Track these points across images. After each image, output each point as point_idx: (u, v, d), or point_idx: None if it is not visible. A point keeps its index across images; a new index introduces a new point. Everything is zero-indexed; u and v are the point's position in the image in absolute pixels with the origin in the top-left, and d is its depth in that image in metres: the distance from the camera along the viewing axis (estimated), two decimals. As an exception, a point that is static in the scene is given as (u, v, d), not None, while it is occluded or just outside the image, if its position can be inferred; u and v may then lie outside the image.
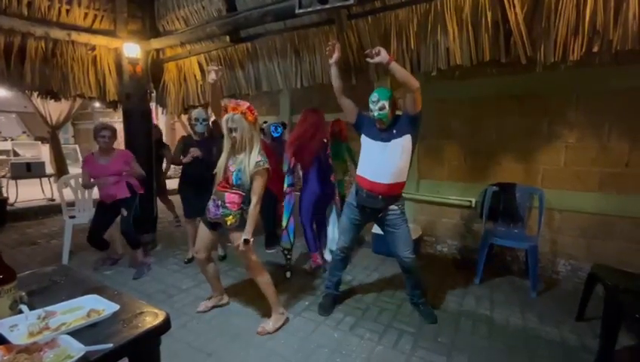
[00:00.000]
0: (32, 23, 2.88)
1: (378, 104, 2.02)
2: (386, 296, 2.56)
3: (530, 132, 2.90)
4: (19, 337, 0.86)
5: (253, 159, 1.94)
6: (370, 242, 3.55)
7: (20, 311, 0.96)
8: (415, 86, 1.89)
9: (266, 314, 2.20)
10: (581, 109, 2.70)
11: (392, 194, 2.09)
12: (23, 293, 1.01)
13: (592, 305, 2.18)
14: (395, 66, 1.86)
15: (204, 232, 2.15)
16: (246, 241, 1.93)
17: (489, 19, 2.04)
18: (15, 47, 2.86)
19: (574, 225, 2.79)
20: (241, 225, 1.98)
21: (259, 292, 2.14)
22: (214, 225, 2.10)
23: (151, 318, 1.02)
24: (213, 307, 2.36)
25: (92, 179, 2.87)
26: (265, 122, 3.73)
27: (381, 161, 2.06)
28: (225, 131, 1.97)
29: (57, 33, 3.02)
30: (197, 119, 2.98)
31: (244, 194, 1.99)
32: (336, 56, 2.06)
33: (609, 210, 2.63)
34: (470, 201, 3.20)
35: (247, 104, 1.96)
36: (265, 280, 2.11)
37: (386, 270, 3.05)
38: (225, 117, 1.93)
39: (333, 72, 2.11)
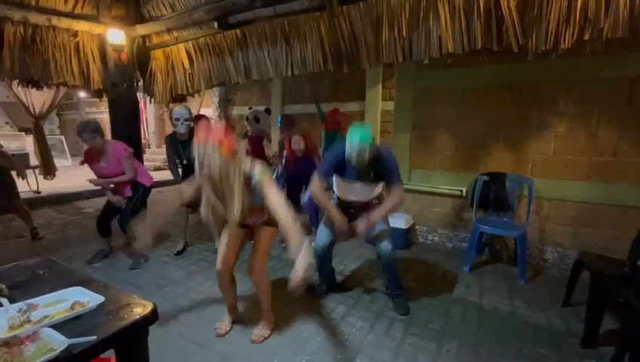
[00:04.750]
0: (9, 6, 2.76)
1: (359, 149, 1.84)
2: (377, 286, 2.58)
3: (521, 121, 2.92)
4: (-2, 331, 0.83)
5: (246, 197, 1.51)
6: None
7: (0, 305, 0.93)
8: (401, 204, 2.06)
9: (256, 303, 2.19)
10: (570, 99, 2.72)
11: (373, 206, 2.13)
12: (3, 286, 0.98)
13: (577, 291, 2.23)
14: (377, 218, 2.00)
15: (230, 240, 1.82)
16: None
17: (481, 6, 2.02)
18: (-8, 33, 2.75)
19: (562, 213, 2.84)
20: (273, 221, 1.65)
21: (251, 285, 2.11)
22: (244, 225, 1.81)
23: (138, 309, 1.00)
24: (233, 324, 2.04)
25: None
26: (250, 108, 3.65)
27: (354, 194, 2.14)
28: (196, 164, 1.46)
29: (37, 18, 2.90)
30: (177, 119, 2.83)
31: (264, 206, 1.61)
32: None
33: (596, 198, 2.68)
34: (461, 191, 3.22)
35: (222, 131, 1.45)
36: (265, 287, 1.92)
37: (377, 260, 3.07)
38: (195, 146, 1.44)
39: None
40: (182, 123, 2.84)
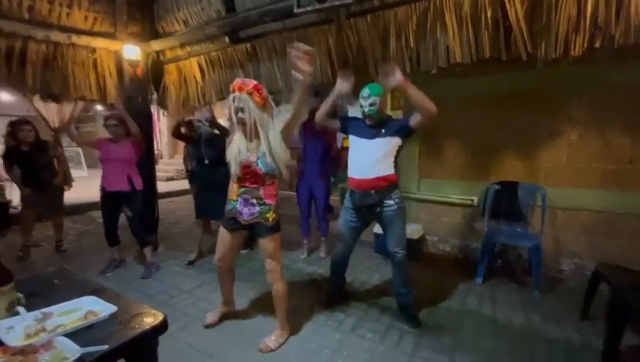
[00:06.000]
0: (33, 26, 2.90)
1: (369, 100, 2.01)
2: (388, 297, 2.54)
3: (532, 129, 2.88)
4: (15, 339, 0.86)
5: (273, 135, 1.75)
6: (371, 242, 3.53)
7: (17, 313, 0.96)
8: (433, 112, 1.86)
9: (266, 313, 2.19)
10: (583, 105, 2.68)
11: (382, 186, 2.04)
12: (21, 295, 1.01)
13: (596, 304, 2.15)
14: (411, 89, 1.84)
15: (227, 238, 1.96)
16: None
17: (489, 16, 2.03)
18: (16, 51, 2.87)
19: (577, 222, 2.76)
20: (278, 225, 1.88)
21: (259, 293, 2.12)
22: (244, 226, 1.91)
23: (148, 319, 1.01)
24: (221, 318, 2.20)
25: (101, 163, 2.92)
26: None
27: (362, 157, 2.08)
28: (232, 112, 1.74)
29: (58, 36, 3.03)
30: (200, 120, 3.01)
31: (278, 181, 1.87)
32: (309, 69, 1.61)
33: (612, 207, 2.61)
34: (472, 200, 3.17)
35: (254, 83, 1.74)
36: (282, 290, 1.94)
37: (388, 270, 3.01)
38: (230, 96, 1.74)
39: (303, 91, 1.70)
40: (204, 124, 2.99)
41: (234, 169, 1.81)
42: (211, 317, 2.18)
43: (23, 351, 0.79)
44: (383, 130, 2.05)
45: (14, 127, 3.22)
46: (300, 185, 3.29)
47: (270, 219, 1.84)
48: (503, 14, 2.00)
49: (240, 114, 1.72)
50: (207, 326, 2.14)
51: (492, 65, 2.30)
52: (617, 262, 2.15)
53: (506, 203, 2.93)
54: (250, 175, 1.80)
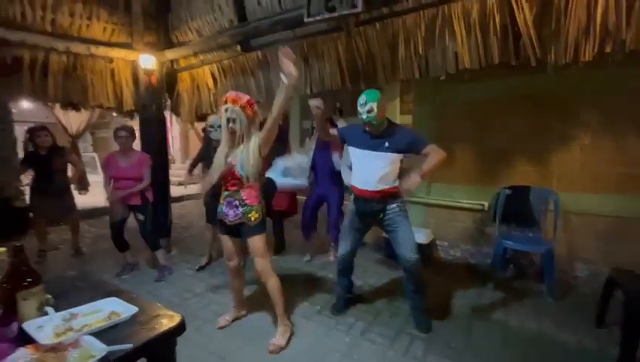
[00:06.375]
0: (55, 38, 3.04)
1: (366, 106, 1.96)
2: (398, 301, 2.55)
3: (544, 133, 2.86)
4: (45, 337, 0.91)
5: (253, 143, 1.89)
6: (381, 246, 3.54)
7: (46, 313, 1.02)
8: (445, 156, 1.96)
9: (272, 313, 2.22)
10: (596, 109, 2.65)
11: (385, 196, 2.06)
12: (49, 296, 1.07)
13: (611, 311, 2.12)
14: (427, 172, 1.93)
15: (225, 239, 2.11)
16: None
17: (497, 22, 2.04)
18: (39, 62, 3.02)
19: (592, 228, 2.72)
20: (261, 225, 1.98)
21: (268, 294, 2.16)
22: (233, 231, 2.04)
23: (167, 320, 1.06)
24: (234, 320, 2.27)
25: (111, 181, 2.96)
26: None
27: (365, 169, 2.07)
28: (223, 121, 1.91)
29: (78, 47, 3.16)
30: (212, 126, 3.07)
31: (258, 184, 1.99)
32: (293, 70, 1.73)
33: (627, 212, 2.56)
34: (482, 205, 3.16)
35: (247, 97, 1.90)
36: (275, 284, 2.03)
37: (397, 275, 3.03)
38: (223, 107, 1.89)
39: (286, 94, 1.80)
40: (216, 129, 3.05)
41: (216, 171, 1.97)
42: (224, 319, 2.24)
43: (53, 349, 0.85)
44: (387, 144, 2.01)
45: (32, 133, 3.36)
46: (310, 195, 3.34)
47: (253, 219, 1.95)
48: (511, 20, 2.01)
49: (232, 124, 1.88)
50: (219, 329, 2.19)
51: (502, 69, 2.31)
52: (632, 267, 2.12)
53: (517, 208, 2.91)
54: (231, 177, 1.95)
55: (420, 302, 2.19)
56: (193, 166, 3.28)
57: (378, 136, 2.04)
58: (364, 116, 1.97)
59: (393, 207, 2.08)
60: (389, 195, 2.07)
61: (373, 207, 2.09)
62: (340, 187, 3.22)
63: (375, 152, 2.03)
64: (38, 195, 3.40)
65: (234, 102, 1.86)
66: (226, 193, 2.01)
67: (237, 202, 1.96)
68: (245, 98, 1.89)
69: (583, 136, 2.72)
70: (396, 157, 2.03)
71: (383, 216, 2.10)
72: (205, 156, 3.25)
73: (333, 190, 3.21)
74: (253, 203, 1.95)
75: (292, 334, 2.10)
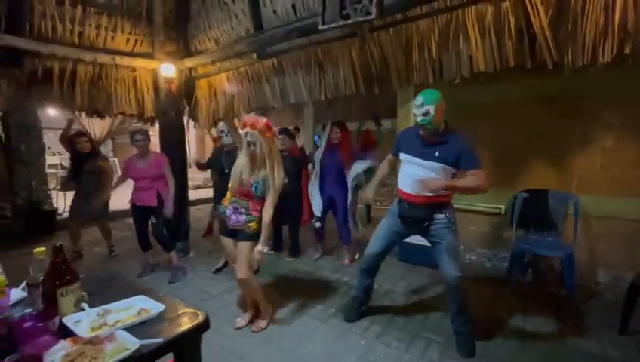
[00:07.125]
0: (83, 50, 3.20)
1: (422, 108, 1.82)
2: (413, 305, 2.55)
3: (562, 135, 2.81)
4: (82, 331, 0.98)
5: (279, 175, 2.05)
6: (396, 250, 3.53)
7: (82, 309, 1.09)
8: (485, 190, 1.83)
9: (294, 316, 2.27)
10: (617, 110, 2.59)
11: (433, 203, 1.93)
12: (84, 293, 1.14)
13: (635, 317, 2.06)
14: (453, 187, 1.86)
15: (226, 241, 2.22)
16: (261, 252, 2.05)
17: (512, 25, 2.03)
18: (68, 73, 3.19)
19: (614, 232, 2.65)
20: (256, 235, 2.08)
21: (285, 296, 2.21)
22: (232, 233, 2.16)
23: (192, 318, 1.12)
24: (251, 321, 2.31)
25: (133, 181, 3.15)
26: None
27: (414, 176, 1.94)
28: (243, 143, 2.07)
29: (104, 58, 3.33)
30: (222, 131, 3.18)
31: (264, 201, 2.09)
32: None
33: (652, 216, 2.49)
34: (499, 208, 3.12)
35: (264, 120, 2.02)
36: (254, 288, 2.23)
37: (413, 278, 3.03)
38: (243, 131, 2.05)
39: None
40: (226, 134, 3.16)
41: (232, 181, 2.13)
42: (241, 320, 2.31)
43: (91, 342, 0.91)
44: (437, 153, 1.87)
45: (73, 139, 3.57)
46: None
47: (252, 228, 2.08)
48: (526, 23, 2.00)
49: (252, 147, 2.03)
50: (237, 329, 2.25)
51: (518, 71, 2.29)
52: (658, 273, 2.06)
53: (535, 211, 2.86)
54: (243, 192, 2.10)
55: (464, 325, 1.97)
56: (202, 168, 3.48)
57: (431, 143, 1.91)
58: (419, 119, 1.86)
59: (441, 217, 1.95)
60: (437, 204, 1.94)
61: (418, 213, 1.96)
62: (346, 187, 3.29)
63: (426, 161, 1.90)
64: (75, 195, 3.63)
65: (252, 126, 2.00)
66: (234, 199, 2.14)
67: (243, 210, 2.10)
68: (262, 121, 2.02)
69: (604, 138, 2.66)
70: (447, 169, 1.88)
71: (429, 225, 1.97)
72: (215, 161, 3.35)
73: (340, 191, 3.30)
74: (255, 214, 2.09)
75: (272, 312, 2.34)
